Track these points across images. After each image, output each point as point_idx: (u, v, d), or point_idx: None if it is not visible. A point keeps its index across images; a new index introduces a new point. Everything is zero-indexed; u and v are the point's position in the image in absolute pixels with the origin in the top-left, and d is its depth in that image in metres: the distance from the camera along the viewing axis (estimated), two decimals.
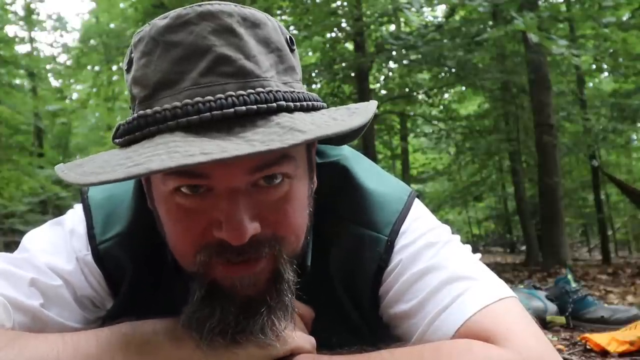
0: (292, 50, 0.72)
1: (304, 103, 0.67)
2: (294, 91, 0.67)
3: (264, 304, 0.67)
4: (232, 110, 0.61)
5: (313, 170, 0.77)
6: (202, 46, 0.64)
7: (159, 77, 0.65)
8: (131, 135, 0.65)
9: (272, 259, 0.68)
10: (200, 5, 0.66)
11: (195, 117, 0.61)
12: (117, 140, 0.67)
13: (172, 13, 0.66)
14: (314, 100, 0.69)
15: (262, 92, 0.63)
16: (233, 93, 0.62)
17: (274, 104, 0.63)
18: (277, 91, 0.64)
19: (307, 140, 0.58)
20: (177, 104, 0.62)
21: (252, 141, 0.57)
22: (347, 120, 0.65)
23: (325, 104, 0.72)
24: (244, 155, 0.54)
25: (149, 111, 0.63)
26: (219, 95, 0.61)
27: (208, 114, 0.61)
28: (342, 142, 0.86)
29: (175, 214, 0.67)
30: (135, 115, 0.65)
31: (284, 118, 0.62)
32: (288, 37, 0.72)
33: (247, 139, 0.58)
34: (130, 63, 0.70)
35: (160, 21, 0.67)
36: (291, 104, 0.65)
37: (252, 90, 0.63)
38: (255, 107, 0.62)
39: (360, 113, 0.68)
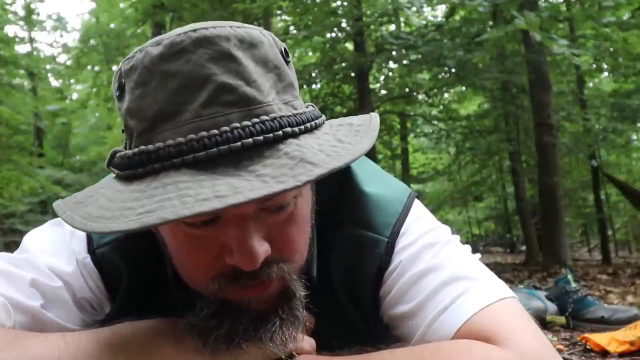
0: (287, 63, 0.71)
1: (308, 125, 0.66)
2: (296, 113, 0.66)
3: (277, 316, 0.67)
4: (239, 143, 0.59)
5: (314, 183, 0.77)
6: (201, 75, 0.61)
7: (158, 109, 0.62)
8: (133, 170, 0.62)
9: (281, 278, 0.67)
10: (195, 31, 0.63)
11: (201, 153, 0.59)
12: (115, 171, 0.65)
13: (165, 40, 0.63)
14: (315, 118, 0.69)
15: (267, 120, 0.61)
16: (238, 125, 0.60)
17: (280, 132, 0.62)
18: (281, 117, 0.63)
19: (321, 175, 0.57)
20: (181, 139, 0.60)
21: (263, 176, 0.56)
22: (354, 143, 0.64)
23: (323, 116, 0.72)
24: (259, 198, 0.54)
25: (151, 147, 0.61)
26: (224, 129, 0.60)
27: (215, 149, 0.59)
28: None
29: (185, 244, 0.66)
30: (137, 150, 0.62)
31: (291, 146, 0.61)
32: (283, 50, 0.71)
33: (257, 173, 0.57)
34: (121, 90, 0.67)
35: (153, 48, 0.64)
36: (296, 128, 0.64)
37: (257, 120, 0.61)
38: (261, 137, 0.60)
39: (364, 131, 0.67)
